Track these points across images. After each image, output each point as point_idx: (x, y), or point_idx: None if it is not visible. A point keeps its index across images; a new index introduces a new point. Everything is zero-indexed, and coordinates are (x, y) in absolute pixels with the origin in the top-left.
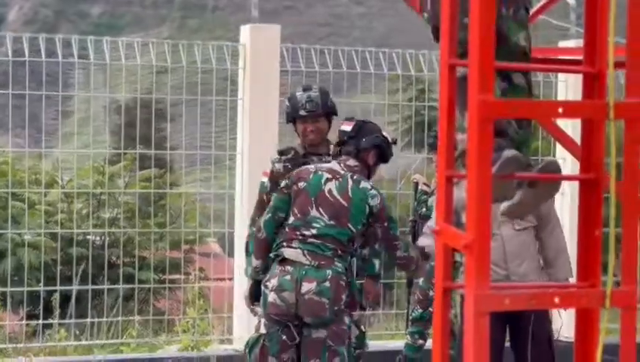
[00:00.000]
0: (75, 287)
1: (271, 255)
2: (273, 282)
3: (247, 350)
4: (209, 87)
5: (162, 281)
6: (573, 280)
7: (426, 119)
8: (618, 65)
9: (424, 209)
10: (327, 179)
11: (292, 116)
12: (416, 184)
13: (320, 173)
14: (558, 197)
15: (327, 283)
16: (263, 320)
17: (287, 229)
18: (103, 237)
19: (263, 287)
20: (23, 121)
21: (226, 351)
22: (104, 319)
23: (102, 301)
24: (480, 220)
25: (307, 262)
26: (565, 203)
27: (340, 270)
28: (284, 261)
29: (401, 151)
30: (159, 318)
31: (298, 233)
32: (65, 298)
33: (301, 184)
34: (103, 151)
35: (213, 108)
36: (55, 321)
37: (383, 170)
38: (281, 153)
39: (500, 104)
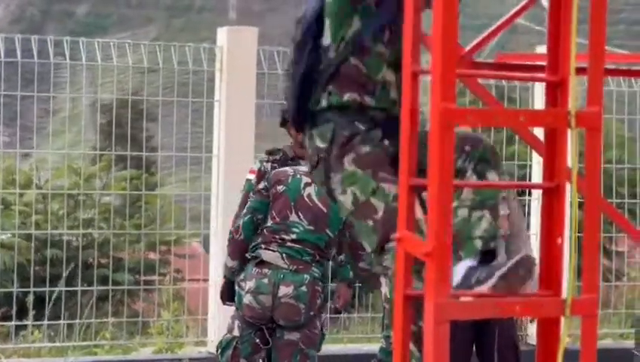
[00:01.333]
0: (47, 289)
1: (248, 256)
2: (250, 284)
3: (219, 352)
4: (192, 88)
5: (138, 283)
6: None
7: None
8: (581, 72)
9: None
10: (306, 184)
11: (286, 119)
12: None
13: (299, 176)
14: (533, 203)
15: (304, 288)
16: (237, 322)
17: (265, 232)
18: (78, 239)
19: (237, 288)
20: (7, 120)
21: (200, 353)
22: (77, 321)
23: (77, 302)
24: (440, 228)
25: (285, 266)
26: (534, 207)
27: (316, 275)
28: (261, 263)
29: None
30: (133, 320)
31: (277, 236)
32: (41, 299)
33: (280, 187)
34: (79, 152)
35: (189, 110)
36: (29, 323)
37: None
38: (269, 153)
39: (462, 111)
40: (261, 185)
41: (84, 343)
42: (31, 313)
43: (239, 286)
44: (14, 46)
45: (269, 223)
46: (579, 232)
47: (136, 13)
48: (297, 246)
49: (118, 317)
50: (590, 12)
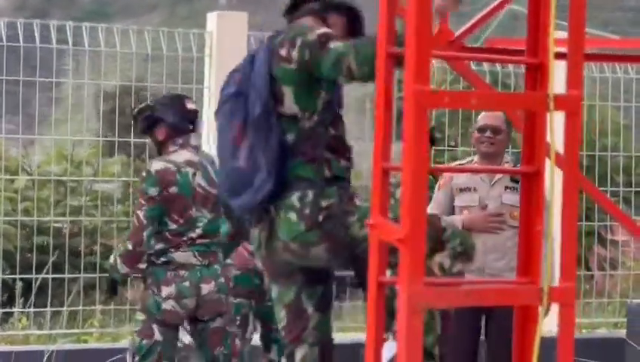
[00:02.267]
0: (34, 276)
1: (154, 261)
2: (169, 290)
3: (137, 359)
4: (189, 75)
5: None
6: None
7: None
8: (560, 56)
9: (392, 201)
10: (193, 174)
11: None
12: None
13: (183, 170)
14: None
15: (222, 279)
16: (155, 326)
17: (169, 236)
18: (66, 226)
19: (151, 294)
20: (9, 108)
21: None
22: (64, 308)
23: (67, 290)
24: (414, 213)
25: (198, 263)
26: None
27: (221, 260)
28: (176, 267)
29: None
30: (121, 308)
31: (185, 238)
32: (29, 287)
33: (172, 189)
34: (80, 138)
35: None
36: (15, 310)
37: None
38: None
39: (437, 94)
40: (153, 192)
41: (71, 331)
42: (18, 300)
43: (153, 292)
44: (18, 32)
45: (172, 226)
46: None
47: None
48: (205, 240)
49: (108, 304)
50: None
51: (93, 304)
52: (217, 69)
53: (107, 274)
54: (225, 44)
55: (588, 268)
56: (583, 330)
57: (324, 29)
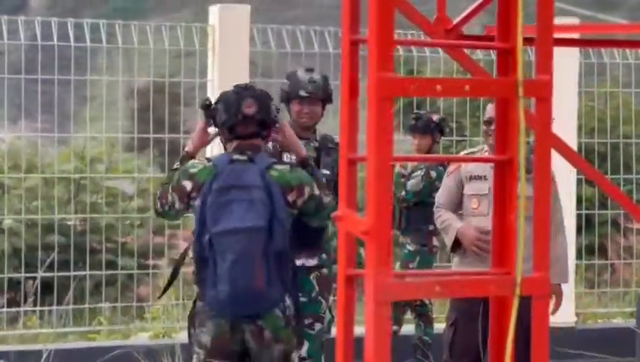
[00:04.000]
0: (40, 274)
1: None
2: None
3: None
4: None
5: (140, 267)
6: (566, 286)
7: (414, 101)
8: (530, 41)
9: (403, 192)
10: None
11: (289, 95)
12: (393, 167)
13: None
14: None
15: None
16: None
17: None
18: (76, 223)
19: None
20: (42, 106)
21: None
22: (70, 306)
23: (80, 287)
24: (379, 205)
25: None
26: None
27: None
28: None
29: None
30: (128, 305)
31: None
32: (44, 285)
33: None
34: (112, 135)
35: (181, 91)
36: (22, 309)
37: None
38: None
39: (401, 81)
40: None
41: (78, 329)
42: (23, 298)
43: None
44: (50, 31)
45: None
46: (586, 209)
47: None
48: None
49: (121, 301)
50: None
51: (107, 301)
52: (220, 62)
53: (113, 271)
54: (227, 37)
55: (606, 257)
56: (599, 320)
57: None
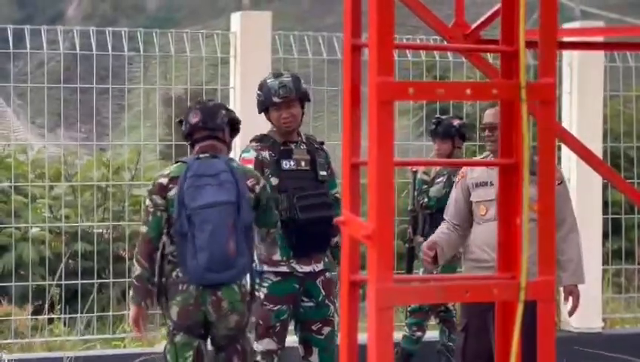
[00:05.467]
0: (63, 282)
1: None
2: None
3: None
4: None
5: None
6: (583, 287)
7: (437, 107)
8: (534, 44)
9: (425, 199)
10: None
11: (265, 105)
12: (415, 173)
13: None
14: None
15: None
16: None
17: None
18: (103, 231)
19: None
20: (82, 116)
21: None
22: (94, 314)
23: (106, 295)
24: (381, 209)
25: None
26: (572, 191)
27: None
28: None
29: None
30: (152, 312)
31: None
32: (72, 293)
33: None
34: (151, 143)
35: (203, 97)
36: (45, 316)
37: None
38: (258, 140)
39: (402, 85)
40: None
41: (102, 336)
42: (46, 305)
43: None
44: (88, 41)
45: None
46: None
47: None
48: None
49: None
50: None
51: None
52: (242, 69)
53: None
54: (249, 44)
55: (634, 262)
56: (626, 325)
57: None
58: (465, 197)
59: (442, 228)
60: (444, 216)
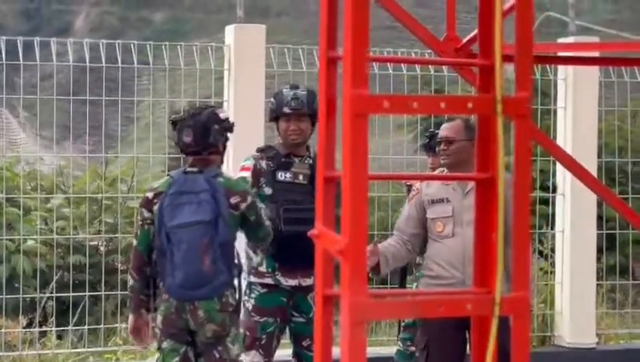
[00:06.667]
0: (55, 294)
1: None
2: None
3: None
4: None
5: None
6: (577, 302)
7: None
8: (511, 58)
9: None
10: None
11: (275, 113)
12: (410, 187)
13: None
14: (558, 199)
15: None
16: None
17: None
18: (98, 243)
19: None
20: (88, 128)
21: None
22: (85, 327)
23: (99, 308)
24: (355, 223)
25: None
26: (566, 206)
27: None
28: None
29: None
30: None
31: None
32: (67, 306)
33: None
34: (159, 155)
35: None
36: (36, 329)
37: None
38: (261, 150)
39: (376, 98)
40: None
41: (93, 349)
42: (37, 318)
43: None
44: (97, 53)
45: None
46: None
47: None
48: None
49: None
50: None
51: (124, 321)
52: (236, 82)
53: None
54: (243, 56)
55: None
56: (621, 341)
57: None
58: (419, 213)
59: (391, 240)
60: (394, 231)
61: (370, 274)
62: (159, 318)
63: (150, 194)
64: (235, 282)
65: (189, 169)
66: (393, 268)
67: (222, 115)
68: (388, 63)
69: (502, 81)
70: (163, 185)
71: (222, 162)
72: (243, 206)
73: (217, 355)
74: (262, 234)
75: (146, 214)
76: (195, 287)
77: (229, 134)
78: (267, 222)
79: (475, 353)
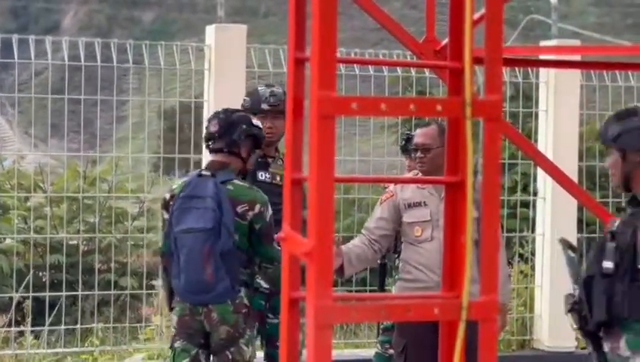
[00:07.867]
0: (31, 294)
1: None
2: None
3: None
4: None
5: (139, 288)
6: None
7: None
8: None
9: None
10: None
11: (251, 112)
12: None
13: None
14: (539, 203)
15: None
16: None
17: None
18: (77, 243)
19: None
20: (77, 126)
21: None
22: (62, 327)
23: (77, 308)
24: (321, 226)
25: None
26: (547, 209)
27: None
28: None
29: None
30: (121, 325)
31: None
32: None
33: None
34: (141, 155)
35: (177, 110)
36: (13, 329)
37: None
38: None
39: (344, 100)
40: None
41: (70, 350)
42: (13, 318)
43: None
44: (84, 51)
45: None
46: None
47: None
48: None
49: (119, 322)
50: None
51: (103, 321)
52: (216, 82)
53: (106, 292)
54: (224, 57)
55: None
56: None
57: None
58: (392, 216)
59: (357, 240)
60: (362, 230)
61: (334, 276)
62: (174, 319)
63: (167, 196)
64: (242, 291)
65: (203, 172)
66: (358, 269)
67: (254, 121)
68: (368, 65)
69: (471, 83)
70: (178, 188)
71: (244, 172)
72: (250, 214)
73: (230, 356)
74: (264, 251)
75: (166, 215)
76: (198, 293)
77: (256, 148)
78: (277, 246)
79: (443, 356)
